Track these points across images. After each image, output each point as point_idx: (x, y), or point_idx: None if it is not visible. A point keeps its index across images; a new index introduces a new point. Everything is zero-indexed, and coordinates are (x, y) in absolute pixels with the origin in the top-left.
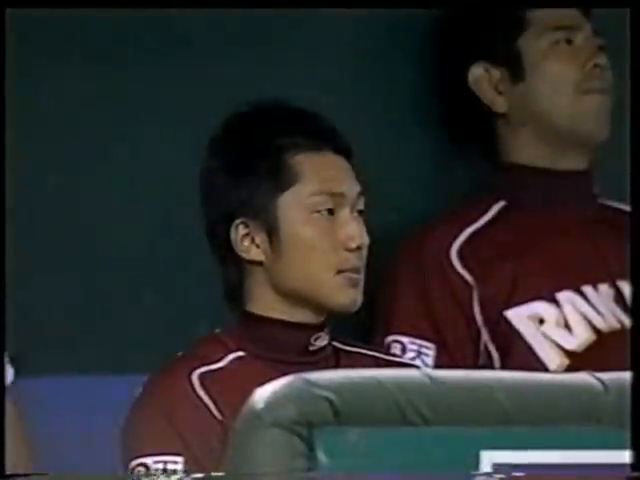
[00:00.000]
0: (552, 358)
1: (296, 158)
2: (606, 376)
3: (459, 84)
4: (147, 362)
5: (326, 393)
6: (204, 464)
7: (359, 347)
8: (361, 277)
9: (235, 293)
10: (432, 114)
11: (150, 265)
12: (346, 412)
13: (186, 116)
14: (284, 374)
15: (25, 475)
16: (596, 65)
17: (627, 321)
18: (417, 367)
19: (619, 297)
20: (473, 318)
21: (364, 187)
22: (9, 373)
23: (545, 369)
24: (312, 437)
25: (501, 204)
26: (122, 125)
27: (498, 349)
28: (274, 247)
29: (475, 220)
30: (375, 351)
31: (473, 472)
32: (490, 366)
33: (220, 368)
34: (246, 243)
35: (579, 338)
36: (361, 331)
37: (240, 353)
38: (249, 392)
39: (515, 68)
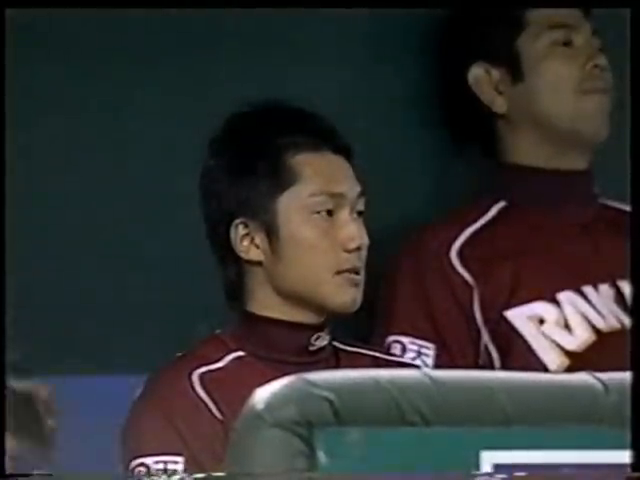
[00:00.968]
0: (552, 358)
1: (296, 158)
2: (606, 376)
3: (459, 84)
4: (147, 362)
5: (326, 393)
6: (204, 464)
7: (359, 347)
8: (361, 278)
9: (235, 293)
10: (432, 114)
11: (151, 266)
12: (346, 412)
13: (187, 115)
14: (284, 374)
15: (25, 475)
16: (596, 65)
17: (627, 321)
18: (417, 367)
19: (619, 297)
20: (473, 318)
21: (364, 187)
22: None
23: (545, 369)
24: (312, 437)
25: (501, 204)
26: (122, 125)
27: (498, 349)
28: (273, 247)
29: (475, 220)
30: (375, 351)
31: (474, 472)
32: (490, 366)
33: (220, 368)
34: (245, 243)
35: (579, 338)
36: (361, 331)
37: (240, 353)
38: (249, 392)
39: (515, 68)
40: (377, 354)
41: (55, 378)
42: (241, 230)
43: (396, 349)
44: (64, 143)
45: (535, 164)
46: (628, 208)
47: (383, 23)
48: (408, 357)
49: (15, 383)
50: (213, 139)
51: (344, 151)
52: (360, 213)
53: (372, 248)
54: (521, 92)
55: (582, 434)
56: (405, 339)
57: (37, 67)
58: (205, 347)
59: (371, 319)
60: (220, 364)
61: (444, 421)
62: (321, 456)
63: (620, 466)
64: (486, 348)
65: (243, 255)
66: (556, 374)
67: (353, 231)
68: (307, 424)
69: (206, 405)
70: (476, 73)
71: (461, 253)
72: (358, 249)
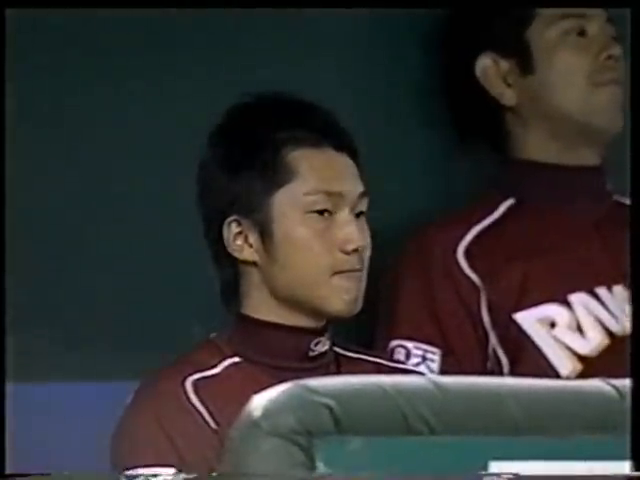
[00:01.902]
0: (564, 363)
1: (294, 154)
2: (621, 383)
3: (466, 76)
4: (139, 368)
5: (326, 400)
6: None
7: (361, 353)
8: (360, 281)
9: (231, 295)
10: (437, 109)
11: (144, 270)
12: (347, 420)
13: (188, 114)
14: (282, 381)
15: (25, 475)
16: (610, 56)
17: None
18: (422, 373)
19: None
20: (481, 322)
21: (367, 186)
22: None
23: (557, 375)
24: (312, 447)
25: (510, 202)
26: (123, 125)
27: (507, 354)
28: (267, 247)
29: (482, 219)
30: (378, 357)
31: (481, 473)
32: (499, 372)
33: (215, 374)
34: (239, 242)
35: (592, 342)
36: (363, 336)
37: (236, 359)
38: (245, 400)
39: (524, 59)
40: (380, 360)
41: (48, 384)
42: (234, 228)
43: (400, 354)
44: (64, 142)
45: (545, 160)
46: None
47: (386, 16)
48: (412, 362)
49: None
50: (211, 131)
51: (347, 148)
52: (362, 214)
53: (374, 249)
54: (531, 84)
55: (595, 443)
56: (409, 344)
57: (37, 67)
58: (199, 352)
59: (373, 323)
60: (215, 370)
61: (450, 430)
62: (321, 467)
63: (636, 478)
64: (494, 353)
65: (237, 254)
66: (568, 380)
67: (351, 232)
68: (306, 433)
69: (200, 414)
70: (484, 64)
71: (468, 253)
72: (356, 251)
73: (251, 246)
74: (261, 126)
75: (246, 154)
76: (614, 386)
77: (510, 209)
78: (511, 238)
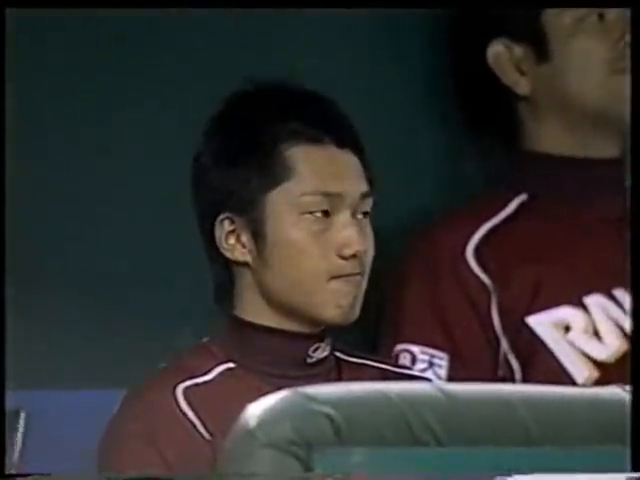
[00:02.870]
0: (580, 370)
1: (292, 149)
2: None
3: (477, 64)
4: (128, 375)
5: (326, 409)
6: None
7: (364, 358)
8: (359, 286)
9: (224, 295)
10: (445, 100)
11: (137, 274)
12: (349, 430)
13: (190, 113)
14: (279, 388)
15: (25, 475)
16: (627, 43)
17: None
18: (429, 379)
19: None
20: (491, 325)
21: (372, 185)
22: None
23: (572, 382)
24: (310, 458)
25: (522, 197)
26: (123, 124)
27: (519, 359)
28: (260, 248)
29: (493, 215)
30: (381, 362)
31: (490, 473)
32: (510, 378)
33: (207, 381)
34: (231, 241)
35: (610, 347)
36: (366, 341)
37: (230, 365)
38: (240, 408)
39: (539, 46)
40: (384, 366)
41: (40, 392)
42: (227, 226)
43: (405, 359)
44: (64, 142)
45: (561, 152)
46: None
47: (388, 14)
48: (419, 368)
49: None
50: (206, 123)
51: (351, 145)
52: (365, 214)
53: (377, 249)
54: (547, 72)
55: (613, 454)
56: (415, 348)
57: (37, 67)
58: (191, 358)
59: (377, 327)
60: (207, 377)
61: (458, 440)
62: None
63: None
64: (506, 358)
65: (228, 254)
66: (584, 388)
67: (350, 236)
68: (305, 444)
69: (192, 423)
70: (496, 50)
71: (477, 252)
72: (354, 256)
73: (244, 246)
74: (259, 117)
75: (242, 147)
76: None
77: (522, 205)
78: (523, 236)
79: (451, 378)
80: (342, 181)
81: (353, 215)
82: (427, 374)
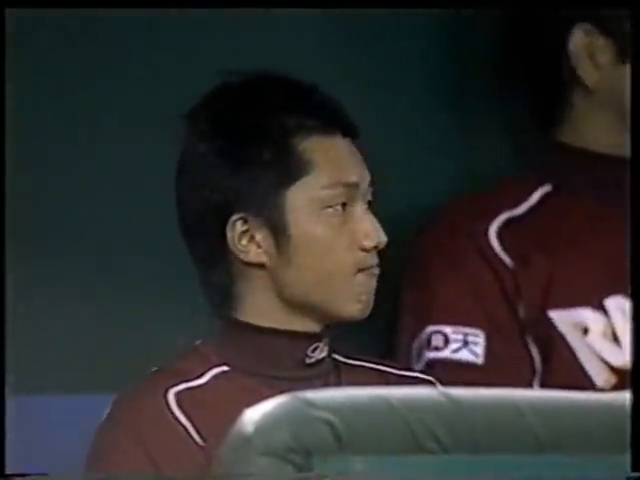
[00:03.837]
0: (598, 374)
1: (305, 143)
2: None
3: (549, 47)
4: (119, 379)
5: (326, 415)
6: None
7: (364, 360)
8: (376, 279)
9: (223, 298)
10: (451, 94)
11: (127, 276)
12: (349, 437)
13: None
14: (277, 392)
15: (25, 475)
16: None
17: None
18: (432, 382)
19: None
20: (516, 310)
21: (371, 172)
22: None
23: (591, 383)
24: (310, 466)
25: (546, 188)
26: (122, 124)
27: (540, 352)
28: (280, 249)
29: (516, 204)
30: (381, 364)
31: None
32: (531, 365)
33: (201, 385)
34: (244, 242)
35: (628, 352)
36: (372, 336)
37: (224, 368)
38: (235, 413)
39: (621, 46)
40: (386, 368)
41: (35, 396)
42: (239, 227)
43: (438, 340)
44: (64, 141)
45: (600, 150)
46: None
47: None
48: (452, 348)
49: None
50: (198, 115)
51: (351, 134)
52: (369, 204)
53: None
54: (619, 73)
55: (623, 462)
56: (447, 328)
57: (37, 67)
58: (183, 361)
59: (393, 317)
60: (201, 380)
61: (464, 447)
62: None
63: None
64: (527, 342)
65: (243, 256)
66: (596, 393)
67: (369, 227)
68: (304, 451)
69: (185, 429)
70: (580, 36)
71: (500, 235)
72: (375, 247)
73: (259, 246)
74: (264, 111)
75: (250, 143)
76: None
77: (546, 196)
78: (545, 228)
79: (489, 356)
80: (356, 171)
81: (364, 205)
82: (462, 353)
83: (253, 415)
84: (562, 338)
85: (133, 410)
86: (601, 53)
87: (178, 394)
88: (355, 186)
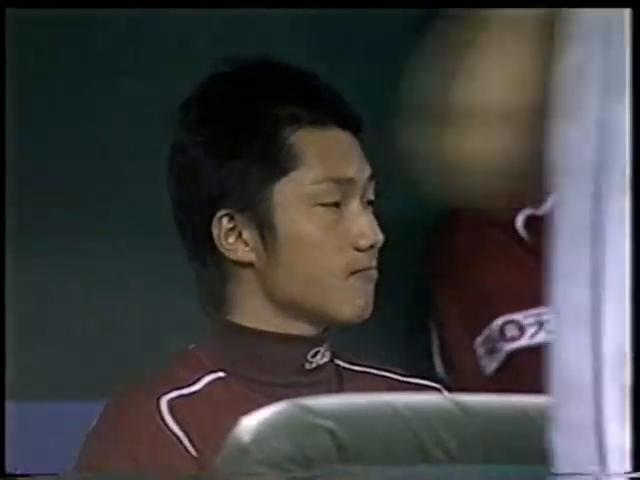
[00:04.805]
0: None
1: (296, 135)
2: None
3: None
4: (106, 386)
5: (328, 423)
6: None
7: (367, 366)
8: (373, 282)
9: (215, 300)
10: None
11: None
12: (352, 447)
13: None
14: (275, 399)
15: (25, 475)
16: None
17: None
18: (439, 389)
19: None
20: None
21: (374, 169)
22: None
23: None
24: (310, 477)
25: None
26: (122, 124)
27: None
28: (268, 247)
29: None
30: (386, 371)
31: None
32: None
33: (195, 392)
34: (231, 240)
35: None
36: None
37: (220, 374)
38: (231, 422)
39: None
40: (390, 374)
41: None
42: (226, 224)
43: (512, 330)
44: (64, 141)
45: None
46: None
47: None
48: (529, 333)
49: None
50: (188, 107)
51: (353, 125)
52: (370, 203)
53: (385, 245)
54: None
55: None
56: (517, 315)
57: (37, 67)
58: (177, 367)
59: (440, 318)
60: (195, 387)
61: (474, 456)
62: None
63: None
64: None
65: (230, 255)
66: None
67: (365, 225)
68: (304, 461)
69: (178, 438)
70: None
71: (527, 224)
72: (372, 247)
73: (246, 244)
74: (252, 101)
75: (237, 135)
76: None
77: None
78: None
79: None
80: (350, 165)
81: (362, 202)
82: (540, 336)
83: (250, 423)
84: None
85: (123, 419)
86: None
87: (171, 402)
88: (350, 182)
